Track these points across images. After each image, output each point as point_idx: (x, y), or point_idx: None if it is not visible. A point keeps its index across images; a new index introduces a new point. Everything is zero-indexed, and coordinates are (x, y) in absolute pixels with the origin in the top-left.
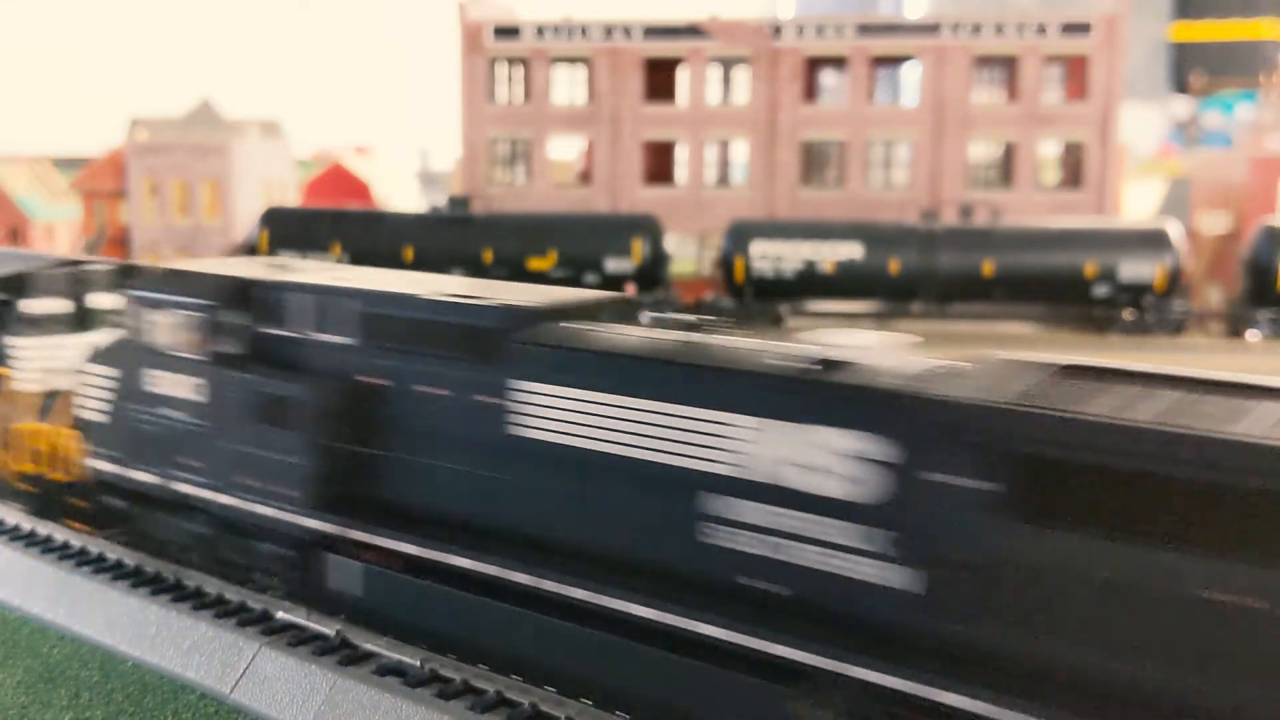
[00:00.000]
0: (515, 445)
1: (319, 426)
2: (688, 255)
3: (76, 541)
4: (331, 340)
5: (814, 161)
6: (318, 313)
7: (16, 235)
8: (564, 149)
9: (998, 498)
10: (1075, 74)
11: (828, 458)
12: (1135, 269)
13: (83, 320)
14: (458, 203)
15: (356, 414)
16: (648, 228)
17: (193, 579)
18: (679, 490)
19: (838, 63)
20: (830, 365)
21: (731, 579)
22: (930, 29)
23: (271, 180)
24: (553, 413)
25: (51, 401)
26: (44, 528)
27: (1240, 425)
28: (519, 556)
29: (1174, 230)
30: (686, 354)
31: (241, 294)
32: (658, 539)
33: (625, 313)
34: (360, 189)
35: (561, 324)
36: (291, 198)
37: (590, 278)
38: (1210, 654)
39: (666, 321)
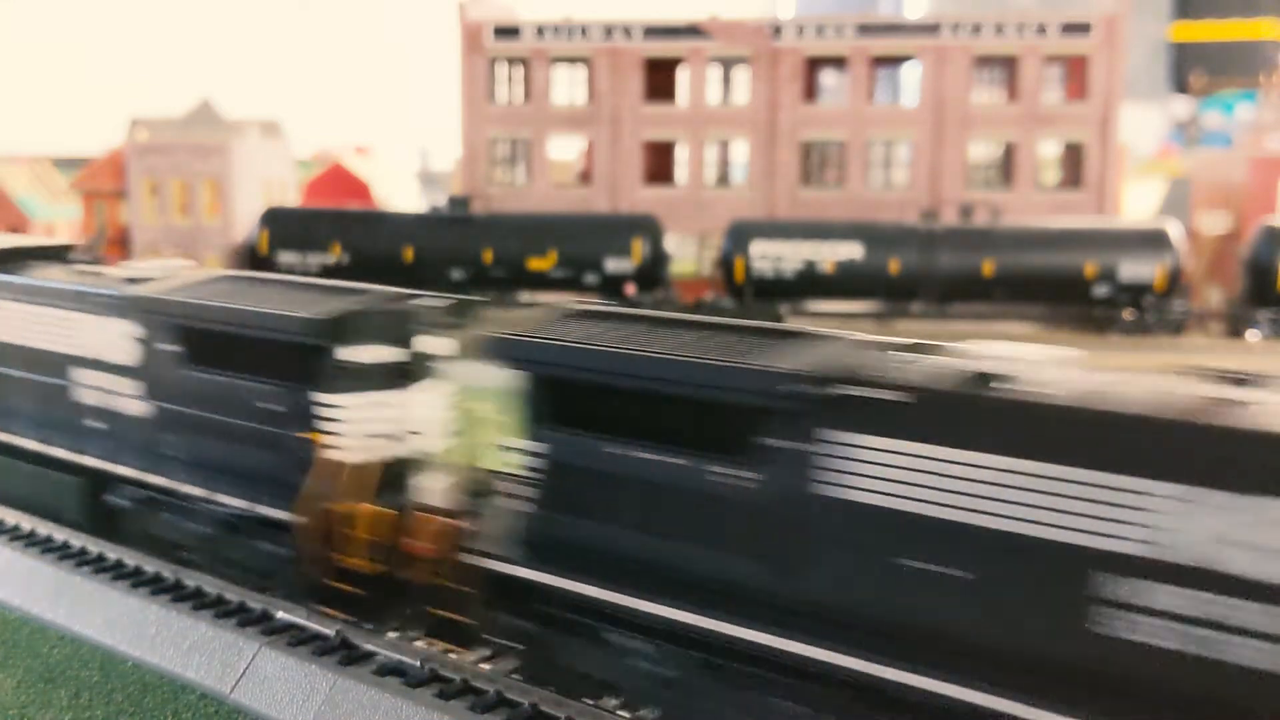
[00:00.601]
0: None
1: None
2: (688, 255)
3: (76, 541)
4: None
5: (814, 161)
6: None
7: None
8: (564, 149)
9: (182, 354)
10: (1075, 74)
11: (122, 340)
12: (1135, 269)
13: None
14: (458, 203)
15: None
16: (648, 228)
17: (193, 579)
18: (57, 369)
19: (838, 63)
20: (131, 282)
21: (83, 422)
22: (930, 29)
23: (271, 180)
24: None
25: None
26: (44, 528)
27: (278, 304)
28: None
29: (1174, 230)
30: (60, 280)
31: None
32: (54, 404)
33: (56, 256)
34: (360, 189)
35: (5, 264)
36: (291, 198)
37: (590, 277)
38: (259, 441)
39: (75, 260)
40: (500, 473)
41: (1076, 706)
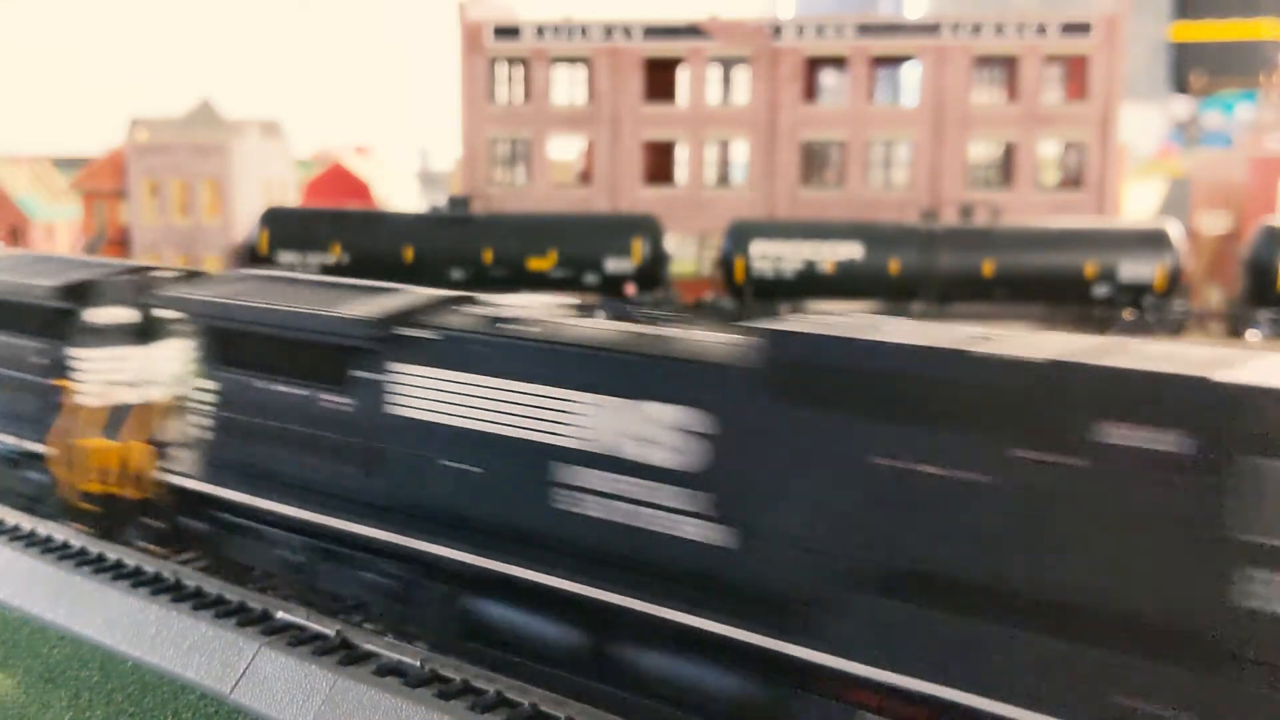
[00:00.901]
0: None
1: None
2: (688, 255)
3: (76, 541)
4: None
5: (814, 161)
6: None
7: (16, 235)
8: (564, 149)
9: None
10: (1075, 74)
11: None
12: (1135, 269)
13: None
14: (458, 203)
15: None
16: (648, 228)
17: (193, 579)
18: None
19: (838, 63)
20: None
21: None
22: (930, 29)
23: (271, 180)
24: None
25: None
26: (44, 527)
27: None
28: None
29: (1174, 230)
30: None
31: None
32: None
33: None
34: (360, 189)
35: None
36: (291, 198)
37: (590, 278)
38: (31, 390)
39: None
40: (192, 407)
41: (551, 566)
